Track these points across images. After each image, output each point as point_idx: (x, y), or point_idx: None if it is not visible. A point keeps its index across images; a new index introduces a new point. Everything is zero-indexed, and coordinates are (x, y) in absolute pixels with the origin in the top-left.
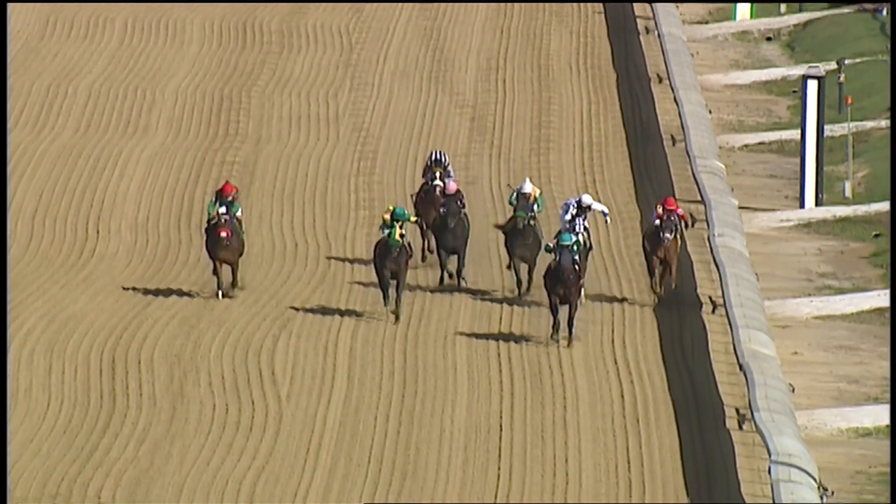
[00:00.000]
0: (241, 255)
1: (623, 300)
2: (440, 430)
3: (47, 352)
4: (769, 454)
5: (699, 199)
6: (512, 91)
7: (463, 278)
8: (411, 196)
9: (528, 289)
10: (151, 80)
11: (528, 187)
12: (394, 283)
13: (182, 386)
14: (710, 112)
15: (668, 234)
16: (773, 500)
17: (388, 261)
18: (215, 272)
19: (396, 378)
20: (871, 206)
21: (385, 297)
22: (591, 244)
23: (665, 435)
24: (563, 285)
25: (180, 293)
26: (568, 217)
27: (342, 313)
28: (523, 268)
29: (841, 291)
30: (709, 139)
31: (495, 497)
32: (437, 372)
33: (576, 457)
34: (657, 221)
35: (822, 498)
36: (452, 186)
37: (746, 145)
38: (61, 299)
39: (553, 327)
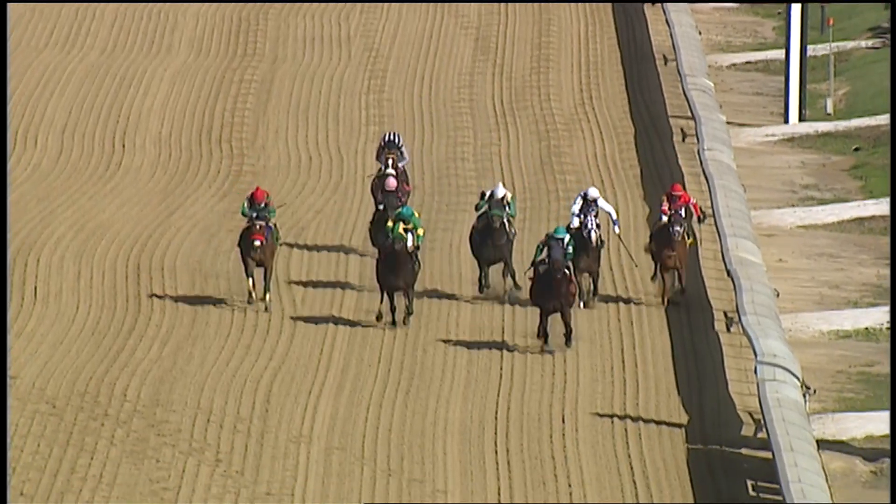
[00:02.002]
0: (273, 258)
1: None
2: (446, 332)
3: (76, 258)
4: (755, 355)
5: (689, 115)
6: (514, 13)
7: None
8: (368, 177)
9: (515, 285)
10: (174, 3)
11: (501, 191)
12: (399, 294)
13: (203, 290)
14: (700, 33)
15: (677, 229)
16: (759, 399)
17: (391, 274)
18: (248, 274)
19: None
20: (851, 122)
21: (381, 308)
22: (603, 241)
23: (657, 337)
24: (551, 297)
25: (201, 203)
26: (576, 209)
27: (354, 222)
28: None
29: (823, 202)
30: (699, 59)
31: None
32: (442, 279)
33: (573, 358)
34: (663, 217)
35: (805, 396)
36: (392, 183)
37: (734, 64)
38: (90, 209)
39: (544, 340)
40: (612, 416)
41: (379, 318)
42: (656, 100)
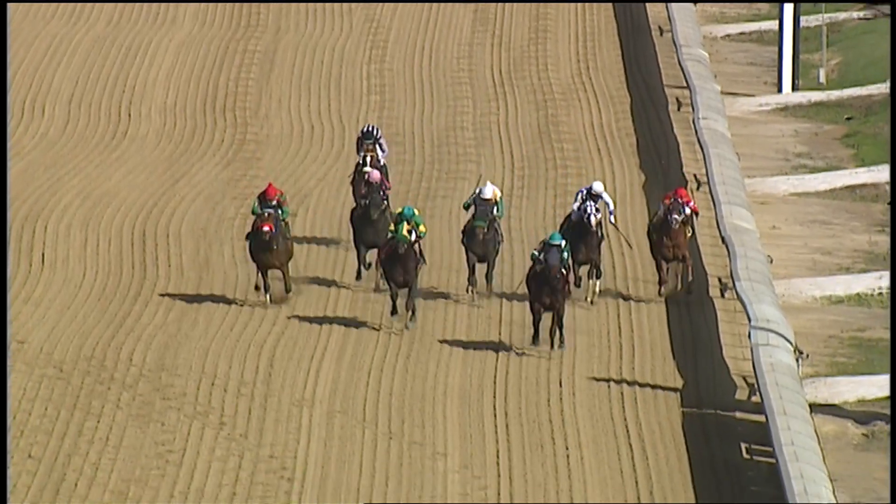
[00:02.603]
0: (289, 258)
1: (612, 177)
2: (447, 298)
3: (83, 225)
4: (749, 320)
5: (685, 84)
6: None
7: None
8: (348, 177)
9: (490, 287)
10: None
11: (489, 191)
12: (404, 291)
13: (207, 257)
14: (695, 4)
15: (675, 216)
16: (753, 363)
17: (396, 269)
18: (260, 274)
19: None
20: (843, 92)
21: (394, 307)
22: (602, 235)
23: (653, 303)
24: (548, 292)
25: (206, 172)
26: (577, 205)
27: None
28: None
29: (815, 170)
30: (693, 29)
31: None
32: (442, 245)
33: (570, 322)
34: (663, 209)
35: (797, 360)
36: (376, 175)
37: (728, 35)
38: (96, 177)
39: (533, 338)
40: (608, 381)
41: (394, 312)
42: (652, 70)
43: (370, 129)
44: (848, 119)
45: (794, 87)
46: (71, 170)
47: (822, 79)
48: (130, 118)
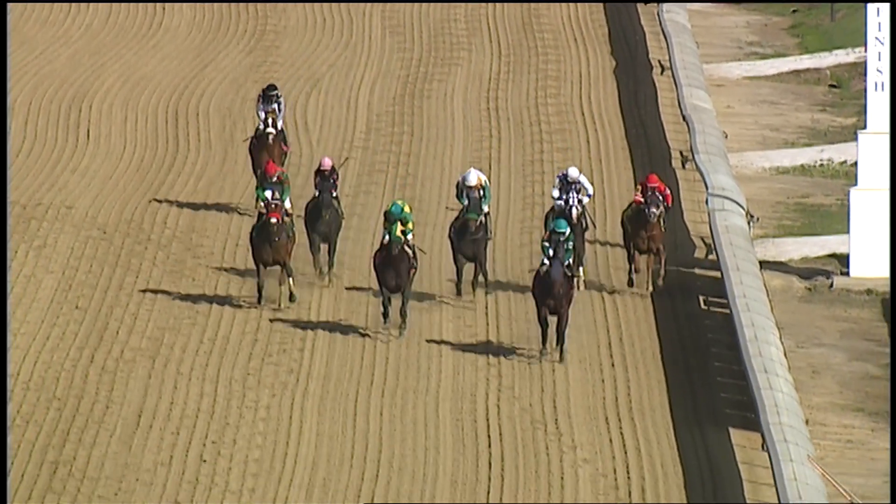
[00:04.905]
0: (291, 249)
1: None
2: (437, 245)
3: (123, 105)
4: (706, 188)
5: None
6: None
7: (333, 271)
8: (244, 141)
9: (475, 287)
10: None
11: (473, 177)
12: (396, 296)
13: (232, 133)
14: None
15: (653, 210)
16: (710, 226)
17: (388, 273)
18: (259, 274)
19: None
20: None
21: (385, 312)
22: (586, 224)
23: (622, 172)
24: (552, 297)
25: (231, 58)
26: (556, 193)
27: (362, 75)
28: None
29: (765, 57)
30: None
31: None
32: (437, 131)
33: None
34: (639, 199)
35: (749, 223)
36: (327, 163)
37: None
38: (134, 63)
39: (542, 342)
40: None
41: (385, 317)
42: None
43: (270, 90)
44: (794, 11)
45: None
46: (112, 56)
47: None
48: (164, 11)
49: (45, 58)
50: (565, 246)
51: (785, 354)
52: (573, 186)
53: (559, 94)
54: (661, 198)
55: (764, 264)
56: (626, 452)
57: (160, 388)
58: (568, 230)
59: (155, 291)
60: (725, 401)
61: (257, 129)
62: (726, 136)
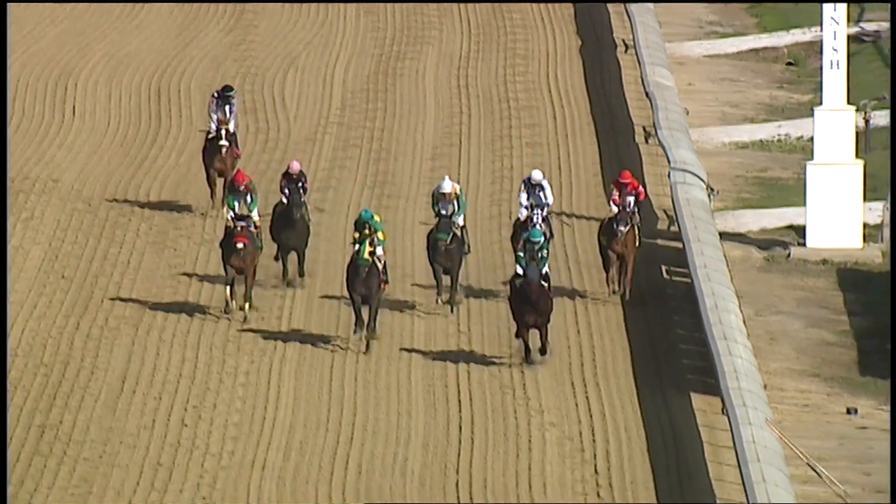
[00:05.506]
0: (253, 265)
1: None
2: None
3: (108, 83)
4: (669, 162)
5: None
6: None
7: (303, 279)
8: (200, 131)
9: (452, 298)
10: None
11: (448, 186)
12: (365, 308)
13: None
14: None
15: (622, 228)
16: (672, 198)
17: (357, 283)
18: (227, 282)
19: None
20: None
21: (356, 322)
22: (551, 233)
23: (588, 147)
24: (532, 311)
25: (211, 37)
26: (523, 198)
27: (338, 51)
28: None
29: (725, 36)
30: None
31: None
32: (415, 99)
33: (518, 166)
34: (614, 208)
35: (709, 196)
36: (296, 167)
37: None
38: (118, 42)
39: (525, 354)
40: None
41: (357, 325)
42: None
43: (225, 90)
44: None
45: None
46: (97, 36)
47: None
48: None
49: (33, 37)
50: (540, 254)
51: (744, 322)
52: (536, 190)
53: (527, 71)
54: (632, 200)
55: (724, 235)
56: (591, 416)
57: (143, 355)
58: (542, 238)
59: (138, 262)
60: (687, 367)
61: (209, 131)
62: (687, 113)
